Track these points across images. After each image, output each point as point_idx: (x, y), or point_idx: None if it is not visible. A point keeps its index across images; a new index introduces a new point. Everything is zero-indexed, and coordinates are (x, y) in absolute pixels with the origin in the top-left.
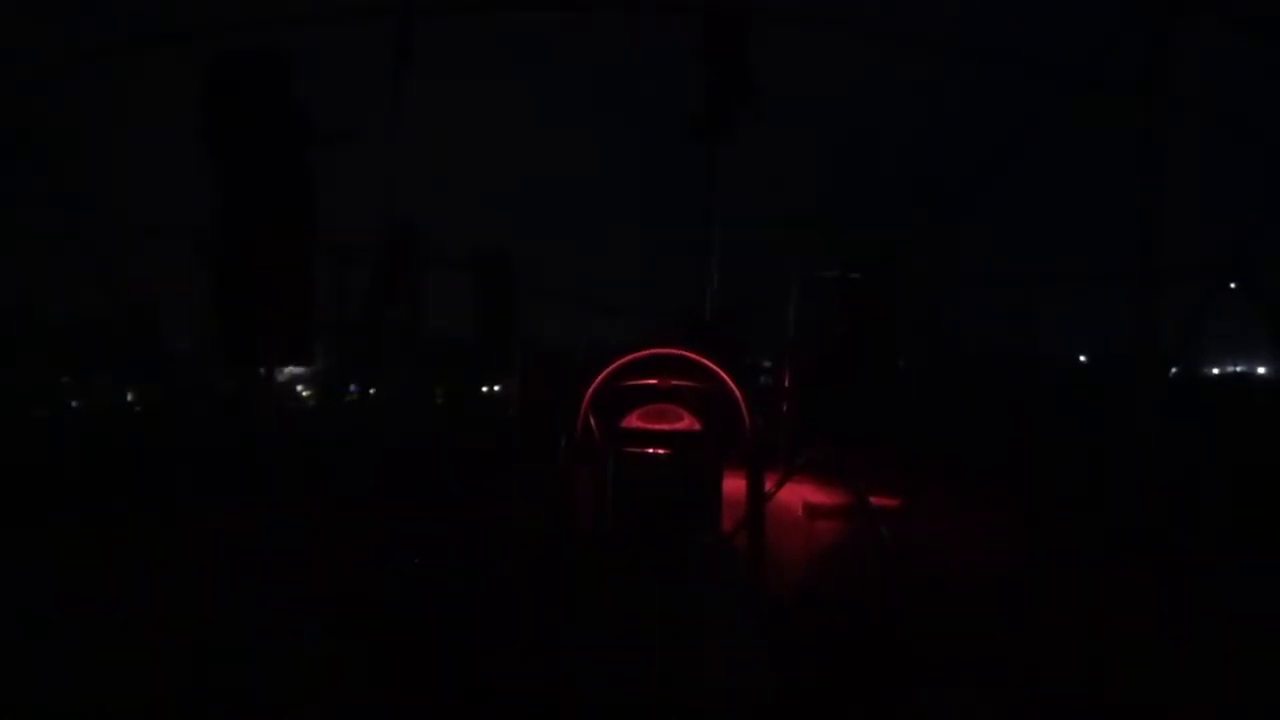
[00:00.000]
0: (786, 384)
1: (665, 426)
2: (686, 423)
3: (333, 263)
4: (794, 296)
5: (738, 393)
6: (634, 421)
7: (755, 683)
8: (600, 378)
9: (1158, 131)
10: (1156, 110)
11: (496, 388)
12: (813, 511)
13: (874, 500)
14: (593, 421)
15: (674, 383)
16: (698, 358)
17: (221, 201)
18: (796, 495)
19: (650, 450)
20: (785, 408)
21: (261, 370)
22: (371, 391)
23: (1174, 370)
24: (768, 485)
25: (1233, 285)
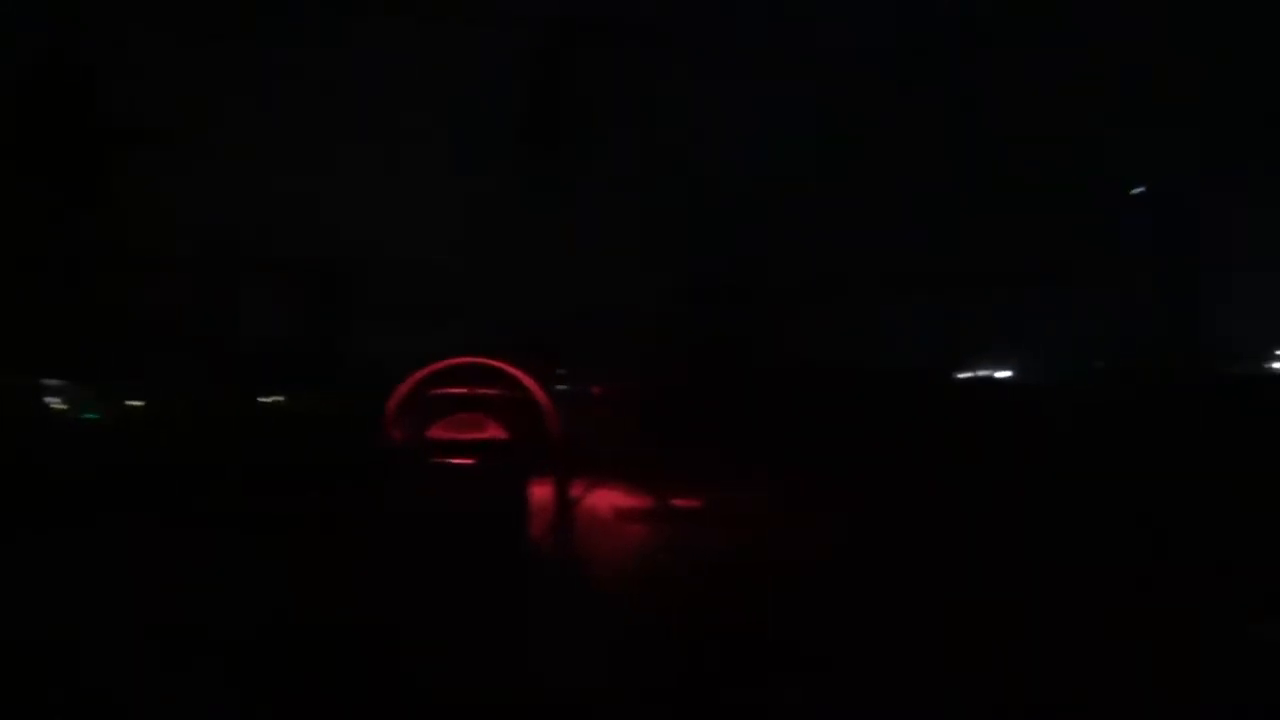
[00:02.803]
0: (601, 391)
1: (472, 436)
2: (493, 431)
3: (145, 273)
4: (630, 308)
5: (544, 401)
6: (440, 431)
7: (572, 681)
8: (405, 388)
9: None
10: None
11: (279, 398)
12: (621, 516)
13: (677, 502)
14: (400, 432)
15: (481, 392)
16: (504, 366)
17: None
18: (608, 500)
19: (457, 460)
20: (603, 414)
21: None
22: (139, 403)
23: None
24: (576, 491)
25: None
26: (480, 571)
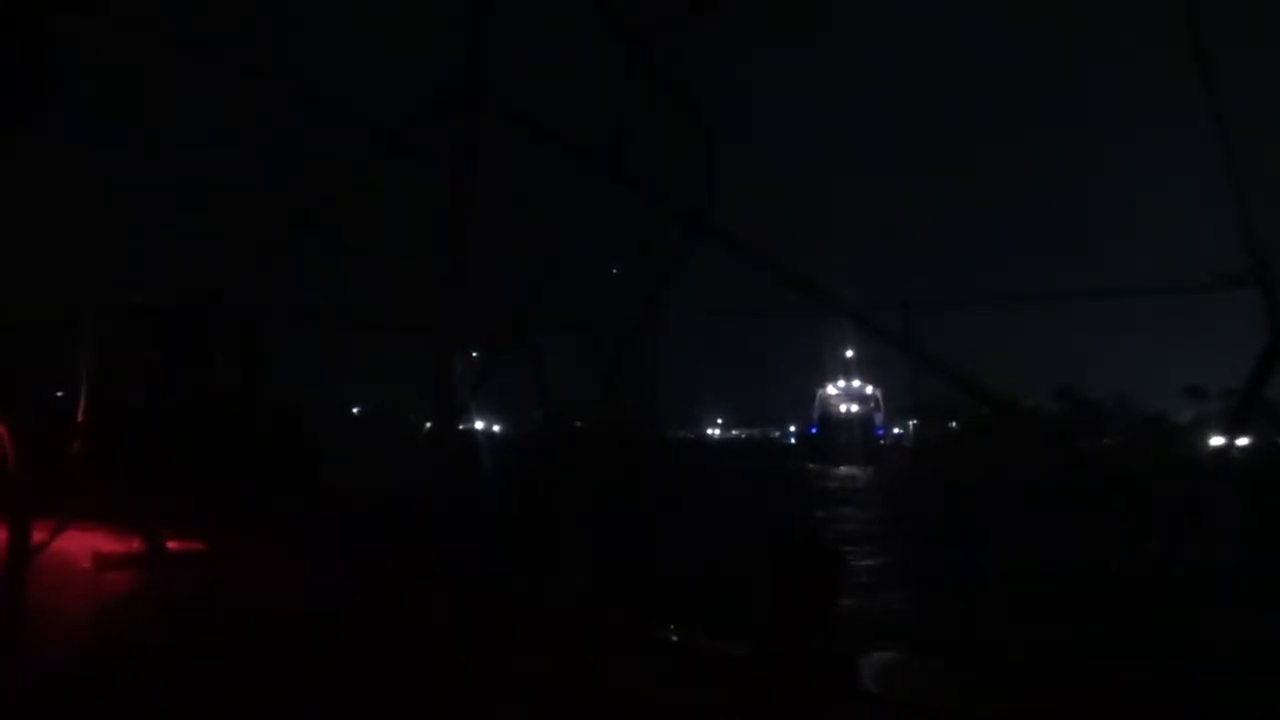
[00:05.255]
0: (80, 419)
1: None
2: None
3: None
4: (93, 322)
5: (2, 431)
6: None
7: None
8: None
9: (457, 207)
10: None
11: None
12: (103, 562)
13: (174, 546)
14: None
15: None
16: None
17: None
18: (87, 545)
19: None
20: (76, 445)
21: None
22: None
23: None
24: (42, 536)
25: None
26: None
